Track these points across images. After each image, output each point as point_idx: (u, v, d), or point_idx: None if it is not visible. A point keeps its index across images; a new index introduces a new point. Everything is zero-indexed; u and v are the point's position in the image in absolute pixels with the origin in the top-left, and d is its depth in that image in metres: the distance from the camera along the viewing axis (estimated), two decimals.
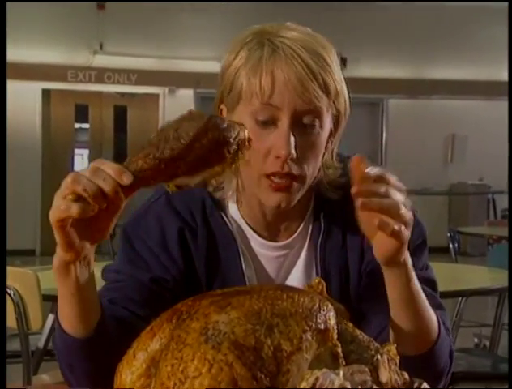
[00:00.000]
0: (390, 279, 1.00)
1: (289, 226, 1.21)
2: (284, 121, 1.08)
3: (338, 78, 1.11)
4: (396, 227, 0.91)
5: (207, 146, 0.89)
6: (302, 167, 1.11)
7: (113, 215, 0.90)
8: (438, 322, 1.07)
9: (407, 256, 0.97)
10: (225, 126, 0.91)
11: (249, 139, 0.93)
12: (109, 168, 0.87)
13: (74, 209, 0.86)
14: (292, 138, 1.08)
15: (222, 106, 1.16)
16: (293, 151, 1.08)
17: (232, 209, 1.22)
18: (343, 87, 1.14)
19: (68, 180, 0.87)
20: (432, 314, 1.06)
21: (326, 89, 1.09)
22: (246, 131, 0.94)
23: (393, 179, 0.93)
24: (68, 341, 1.01)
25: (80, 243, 0.91)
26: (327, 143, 1.16)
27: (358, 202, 0.90)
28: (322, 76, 1.08)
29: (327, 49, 1.11)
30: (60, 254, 0.92)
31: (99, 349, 1.00)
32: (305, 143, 1.10)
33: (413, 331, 1.02)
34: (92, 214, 0.87)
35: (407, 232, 0.93)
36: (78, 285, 0.95)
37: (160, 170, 0.88)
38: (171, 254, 1.18)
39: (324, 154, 1.16)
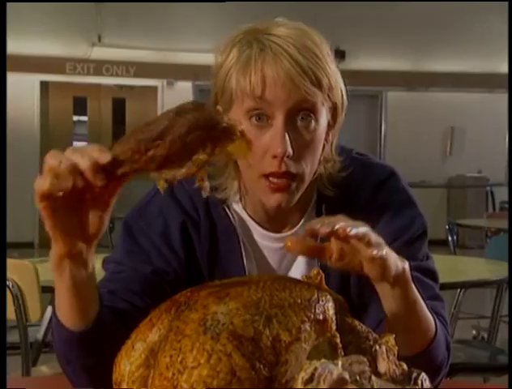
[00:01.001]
0: (383, 294, 0.98)
1: (292, 218, 1.22)
2: (279, 119, 1.08)
3: (331, 71, 1.10)
4: (374, 253, 0.89)
5: (196, 141, 0.86)
6: (300, 164, 1.10)
7: (102, 210, 0.88)
8: (435, 320, 1.07)
9: (401, 267, 0.95)
10: (220, 127, 0.86)
11: (242, 133, 0.88)
12: (90, 147, 0.84)
13: (46, 182, 0.83)
14: (288, 136, 1.08)
15: (218, 107, 1.15)
16: (289, 149, 1.07)
17: (235, 204, 1.22)
18: (337, 80, 1.13)
19: (47, 156, 0.86)
20: (428, 316, 1.05)
21: (318, 84, 1.08)
22: (242, 128, 0.89)
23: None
24: (65, 334, 1.00)
25: (72, 237, 0.89)
26: (327, 135, 1.16)
27: (340, 231, 0.87)
28: (312, 71, 1.07)
29: (318, 42, 1.10)
30: (53, 247, 0.91)
31: (96, 343, 1.00)
32: (301, 140, 1.10)
33: (408, 335, 1.01)
34: (65, 190, 0.83)
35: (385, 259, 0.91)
36: (75, 282, 0.94)
37: (140, 151, 0.84)
38: (172, 247, 1.18)
39: (324, 147, 1.16)
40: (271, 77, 1.07)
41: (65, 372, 1.06)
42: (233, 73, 1.10)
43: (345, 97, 1.16)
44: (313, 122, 1.10)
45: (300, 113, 1.09)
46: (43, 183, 0.84)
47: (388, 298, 0.99)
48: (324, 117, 1.13)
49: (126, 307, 1.09)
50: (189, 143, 0.85)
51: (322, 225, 0.87)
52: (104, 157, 0.83)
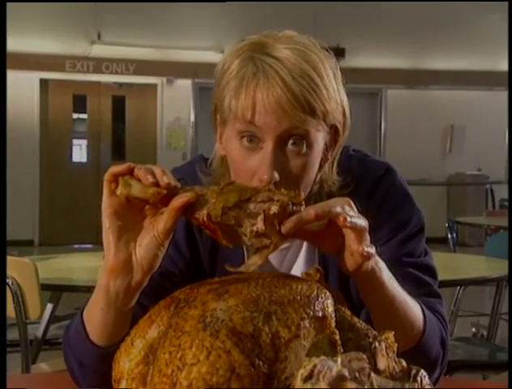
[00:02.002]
0: (360, 287, 0.99)
1: None
2: (268, 145, 1.06)
3: (329, 94, 1.07)
4: (362, 248, 0.91)
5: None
6: (288, 190, 1.09)
7: (158, 243, 0.92)
8: (424, 315, 1.07)
9: (375, 263, 0.96)
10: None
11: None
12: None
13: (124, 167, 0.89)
14: (276, 162, 1.06)
15: (218, 116, 1.15)
16: (276, 176, 1.05)
17: None
18: (338, 101, 1.10)
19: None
20: (414, 311, 1.05)
21: (311, 111, 1.05)
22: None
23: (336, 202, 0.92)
24: (89, 346, 1.01)
25: (124, 246, 0.92)
26: (325, 155, 1.14)
27: (341, 218, 0.89)
28: (305, 98, 1.04)
29: (317, 64, 1.07)
30: (105, 260, 0.93)
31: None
32: (290, 167, 1.08)
33: (393, 330, 1.02)
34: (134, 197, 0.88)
35: (370, 250, 0.92)
36: (119, 307, 0.96)
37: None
38: (178, 247, 1.19)
39: (321, 167, 1.15)
40: (261, 103, 1.04)
41: (72, 372, 1.06)
42: (228, 92, 1.08)
43: (348, 116, 1.13)
44: (304, 148, 1.07)
45: (291, 139, 1.07)
46: (120, 168, 0.90)
47: (362, 294, 1.00)
48: (319, 141, 1.10)
49: (136, 309, 1.09)
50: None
51: (320, 208, 0.88)
52: (166, 179, 0.89)
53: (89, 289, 1.04)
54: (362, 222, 0.90)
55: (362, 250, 0.90)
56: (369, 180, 1.20)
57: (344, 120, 1.13)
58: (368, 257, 0.91)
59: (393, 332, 0.86)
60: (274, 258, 1.23)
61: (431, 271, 1.19)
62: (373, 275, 0.96)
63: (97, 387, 1.03)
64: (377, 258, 0.97)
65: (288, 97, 1.03)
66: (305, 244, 1.22)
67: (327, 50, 1.11)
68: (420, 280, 1.14)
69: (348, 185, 1.18)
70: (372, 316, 1.02)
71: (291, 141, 1.07)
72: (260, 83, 1.05)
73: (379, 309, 1.01)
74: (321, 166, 1.14)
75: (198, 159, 1.27)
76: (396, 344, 0.85)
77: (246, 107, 1.05)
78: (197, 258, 1.21)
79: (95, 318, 0.99)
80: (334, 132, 1.13)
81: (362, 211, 0.94)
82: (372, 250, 0.92)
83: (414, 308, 1.05)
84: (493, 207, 10.83)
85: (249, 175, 1.08)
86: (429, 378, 0.79)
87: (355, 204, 0.92)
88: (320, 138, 1.10)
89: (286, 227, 0.87)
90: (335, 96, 1.09)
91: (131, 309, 0.99)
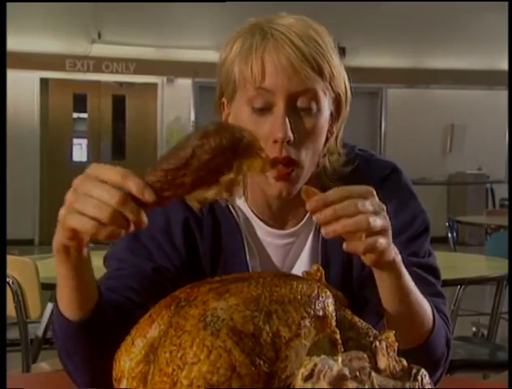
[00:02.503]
0: (380, 279, 0.99)
1: (295, 215, 1.21)
2: (280, 106, 1.08)
3: (333, 61, 1.11)
4: (368, 243, 0.90)
5: (221, 164, 0.85)
6: (300, 151, 1.10)
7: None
8: (433, 313, 1.07)
9: (394, 254, 0.95)
10: (243, 145, 0.86)
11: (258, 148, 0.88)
12: (133, 184, 0.84)
13: (74, 221, 0.85)
14: (288, 122, 1.08)
15: (223, 99, 1.16)
16: (290, 134, 1.07)
17: (239, 201, 1.22)
18: (340, 71, 1.13)
19: (77, 181, 0.87)
20: (426, 308, 1.05)
21: (319, 71, 1.09)
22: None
23: (355, 189, 0.91)
24: (65, 324, 1.00)
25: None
26: (330, 126, 1.16)
27: (322, 231, 0.88)
28: (313, 58, 1.08)
29: (321, 33, 1.11)
30: (61, 239, 0.91)
31: (94, 333, 0.99)
32: (302, 127, 1.10)
33: (406, 326, 1.01)
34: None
35: (381, 240, 0.91)
36: (76, 266, 0.94)
37: (168, 181, 0.85)
38: (174, 244, 1.18)
39: (327, 139, 1.16)
40: (272, 63, 1.07)
41: (66, 368, 1.06)
42: (236, 62, 1.11)
43: (349, 90, 1.16)
44: (314, 109, 1.10)
45: (300, 99, 1.09)
46: (71, 220, 0.85)
47: (380, 287, 1.00)
48: (326, 105, 1.13)
49: (126, 304, 1.09)
50: (215, 167, 0.85)
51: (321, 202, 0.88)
52: (148, 196, 0.83)
53: None
54: (375, 220, 0.89)
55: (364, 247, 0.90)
56: (375, 179, 1.20)
57: (346, 92, 1.16)
58: (372, 251, 0.91)
59: (393, 332, 0.86)
60: (276, 254, 1.22)
61: (435, 272, 1.19)
62: (393, 266, 0.96)
63: (90, 379, 1.02)
64: (396, 249, 0.96)
65: (298, 56, 1.07)
66: (308, 241, 1.22)
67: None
68: (424, 280, 1.14)
69: (352, 161, 1.20)
70: (385, 311, 1.02)
71: (300, 101, 1.09)
72: (270, 45, 1.08)
73: (395, 302, 1.00)
74: (327, 139, 1.16)
75: None
76: (397, 344, 0.85)
77: (257, 70, 1.08)
78: (195, 256, 1.20)
79: (63, 291, 0.98)
80: (337, 103, 1.15)
81: None
82: (383, 244, 0.91)
83: (425, 305, 1.05)
84: (494, 206, 10.84)
85: (263, 140, 1.07)
86: (432, 377, 0.79)
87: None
88: (327, 104, 1.13)
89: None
90: (338, 67, 1.13)
91: (87, 264, 0.96)
